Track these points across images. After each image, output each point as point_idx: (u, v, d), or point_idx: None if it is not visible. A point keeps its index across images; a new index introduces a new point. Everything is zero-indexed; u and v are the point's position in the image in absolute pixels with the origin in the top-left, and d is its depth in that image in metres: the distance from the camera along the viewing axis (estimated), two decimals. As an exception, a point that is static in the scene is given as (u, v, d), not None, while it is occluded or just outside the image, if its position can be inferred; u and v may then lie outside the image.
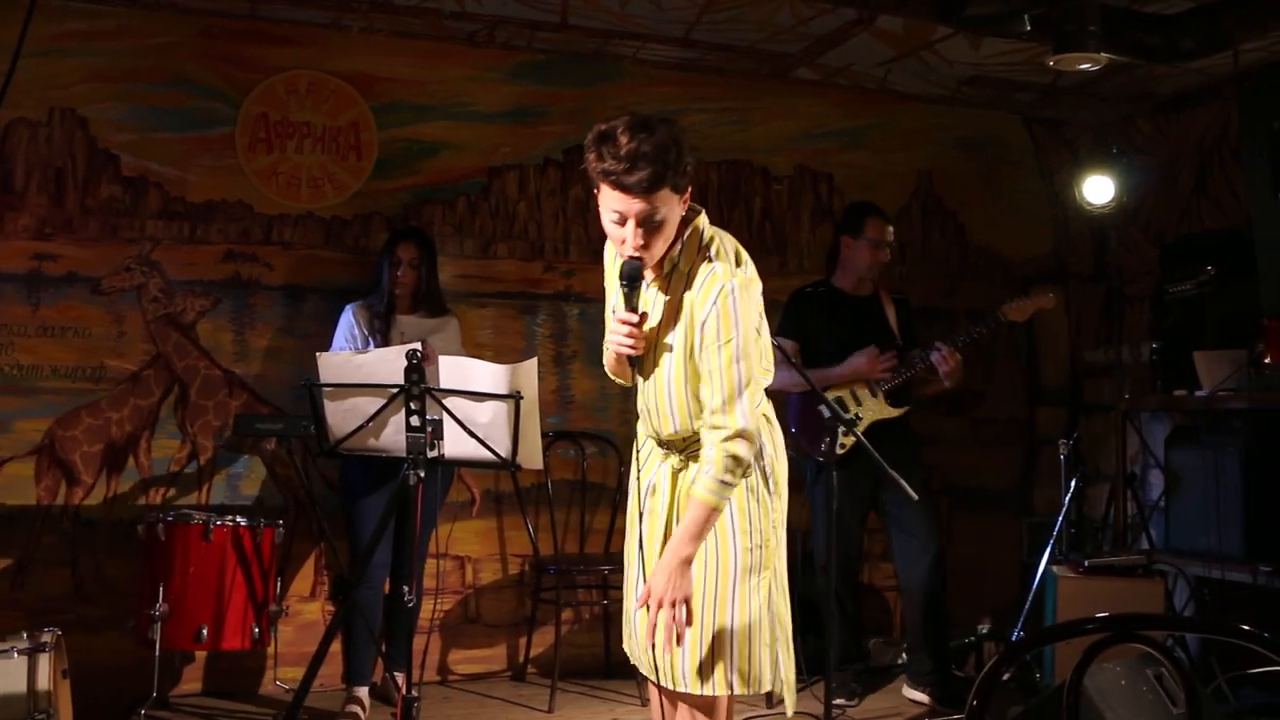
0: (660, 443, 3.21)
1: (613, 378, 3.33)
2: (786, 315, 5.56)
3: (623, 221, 2.93)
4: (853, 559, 5.52)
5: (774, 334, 5.40)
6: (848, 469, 4.97)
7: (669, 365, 3.08)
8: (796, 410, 5.41)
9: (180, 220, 5.55)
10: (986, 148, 6.99)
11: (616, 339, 3.03)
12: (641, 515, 3.20)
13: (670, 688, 3.11)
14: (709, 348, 2.97)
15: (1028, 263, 7.05)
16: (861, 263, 5.50)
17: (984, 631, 6.03)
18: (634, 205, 2.89)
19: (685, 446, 3.16)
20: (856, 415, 5.22)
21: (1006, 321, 5.38)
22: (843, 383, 5.35)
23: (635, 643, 3.22)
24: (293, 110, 5.74)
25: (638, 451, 3.30)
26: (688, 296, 3.03)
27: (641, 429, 3.28)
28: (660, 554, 3.05)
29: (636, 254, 2.96)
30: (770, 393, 3.22)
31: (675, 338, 3.06)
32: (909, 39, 5.75)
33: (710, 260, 3.06)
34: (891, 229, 5.56)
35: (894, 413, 5.36)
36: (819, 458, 5.31)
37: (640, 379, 3.16)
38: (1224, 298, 5.55)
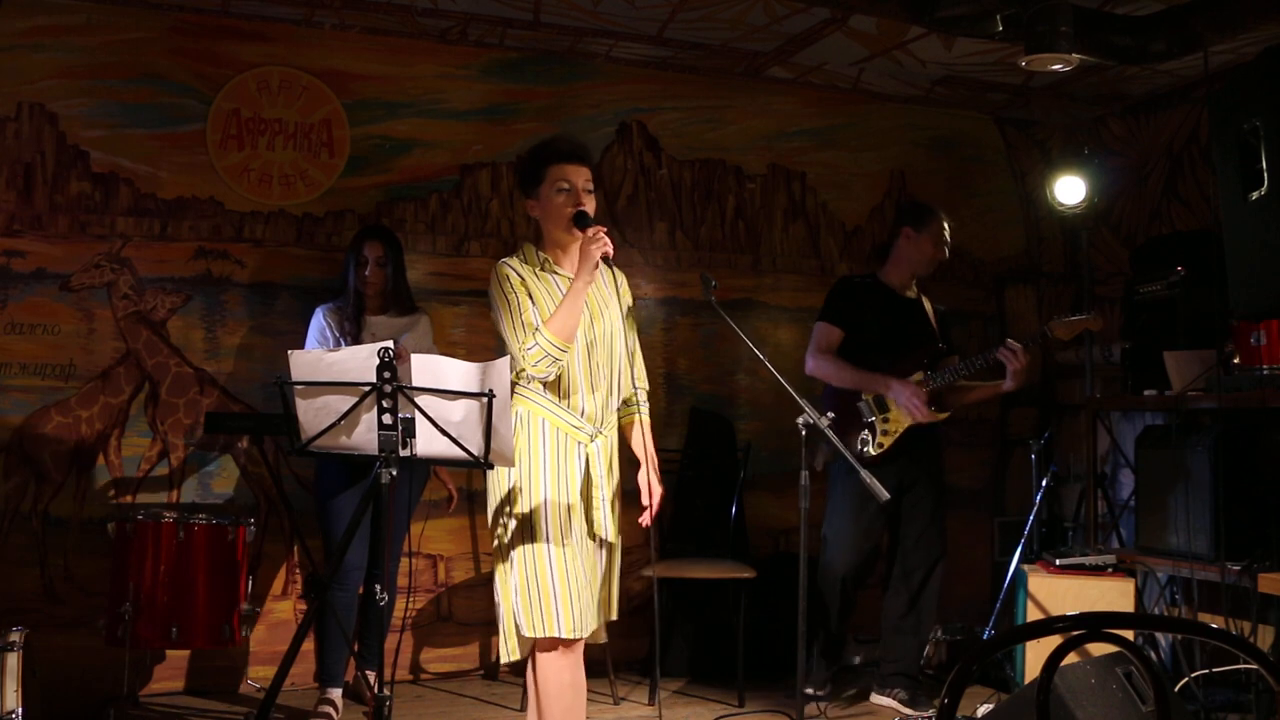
0: (593, 414, 3.78)
1: (552, 349, 3.65)
2: (834, 301, 5.46)
3: (570, 188, 3.78)
4: (871, 561, 5.45)
5: (820, 318, 5.42)
6: (874, 469, 4.83)
7: (621, 337, 3.89)
8: (831, 402, 5.25)
9: (151, 217, 5.52)
10: (959, 148, 7.02)
11: (603, 242, 3.64)
12: (588, 498, 3.77)
13: (612, 619, 3.91)
14: (634, 328, 3.99)
15: (999, 262, 7.08)
16: (922, 256, 5.41)
17: (956, 629, 6.06)
18: (579, 172, 3.81)
19: (610, 414, 3.88)
20: (886, 417, 5.22)
21: (1054, 338, 5.18)
22: (878, 387, 5.23)
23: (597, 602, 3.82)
24: (264, 107, 5.71)
25: (544, 435, 3.75)
26: (618, 284, 3.88)
27: (559, 412, 3.76)
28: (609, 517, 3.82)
29: (583, 207, 3.78)
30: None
31: (620, 317, 3.89)
32: (882, 39, 5.77)
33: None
34: (949, 236, 5.48)
35: (936, 416, 5.25)
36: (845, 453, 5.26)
37: (588, 351, 3.78)
38: (1194, 298, 5.57)
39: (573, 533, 3.71)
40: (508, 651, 3.77)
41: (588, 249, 3.64)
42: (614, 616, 3.91)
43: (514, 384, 3.76)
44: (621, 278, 3.92)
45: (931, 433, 5.34)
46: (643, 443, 3.99)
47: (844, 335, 5.36)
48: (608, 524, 3.79)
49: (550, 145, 3.87)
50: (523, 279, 3.79)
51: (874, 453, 5.16)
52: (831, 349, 5.34)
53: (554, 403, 3.75)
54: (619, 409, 3.97)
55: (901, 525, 5.40)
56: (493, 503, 3.80)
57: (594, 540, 3.78)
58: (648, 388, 4.04)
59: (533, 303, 3.75)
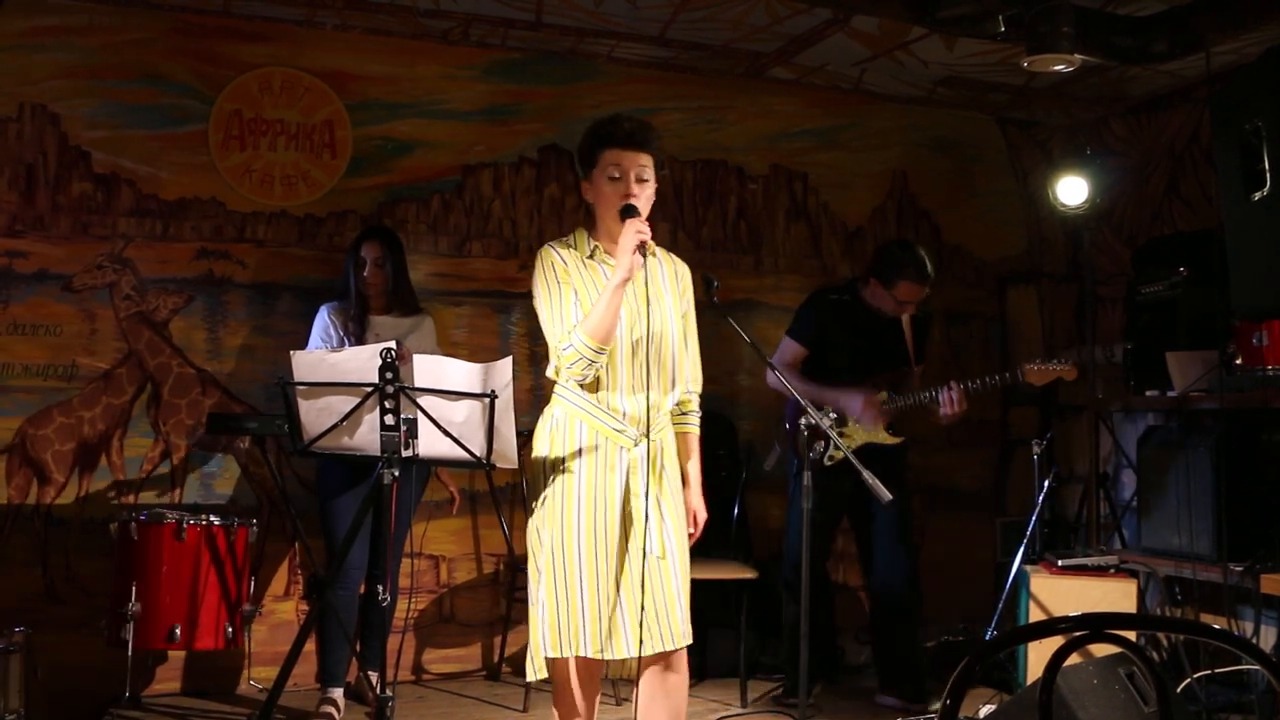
0: (636, 416, 3.49)
1: (587, 351, 3.41)
2: (804, 317, 5.49)
3: (621, 176, 3.51)
4: (820, 558, 5.51)
5: (787, 332, 5.45)
6: (830, 470, 5.01)
7: (673, 336, 3.59)
8: (792, 408, 5.40)
9: (152, 217, 5.52)
10: (960, 148, 7.02)
11: (638, 230, 3.41)
12: (628, 510, 3.49)
13: (672, 647, 3.47)
14: (693, 325, 3.73)
15: (1001, 262, 7.07)
16: (885, 305, 5.41)
17: (958, 630, 6.06)
18: (633, 159, 3.51)
19: (655, 418, 3.53)
20: (841, 432, 5.22)
21: (1024, 382, 5.19)
22: (834, 402, 5.19)
23: (642, 625, 3.40)
24: (266, 107, 5.71)
25: (581, 441, 3.52)
26: (679, 277, 3.70)
27: (598, 414, 3.51)
28: (655, 538, 3.48)
29: (632, 200, 3.49)
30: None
31: (672, 312, 3.61)
32: (884, 39, 5.77)
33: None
34: (926, 291, 5.38)
35: (889, 440, 5.34)
36: (797, 458, 5.38)
37: (633, 349, 3.50)
38: (1196, 299, 5.57)
39: (608, 548, 3.45)
40: (534, 670, 3.53)
41: (623, 241, 3.43)
42: (681, 643, 3.50)
43: (553, 382, 3.61)
44: (684, 271, 3.74)
45: (893, 456, 5.32)
46: (690, 461, 3.74)
47: (806, 354, 5.40)
48: (653, 537, 3.46)
49: (607, 126, 3.57)
50: (567, 266, 3.57)
51: (828, 463, 5.17)
52: (794, 365, 5.37)
53: (592, 403, 3.51)
54: (672, 412, 3.69)
55: (869, 526, 5.47)
56: (532, 510, 3.60)
57: (639, 555, 3.45)
58: (699, 390, 3.78)
59: (575, 295, 3.52)
